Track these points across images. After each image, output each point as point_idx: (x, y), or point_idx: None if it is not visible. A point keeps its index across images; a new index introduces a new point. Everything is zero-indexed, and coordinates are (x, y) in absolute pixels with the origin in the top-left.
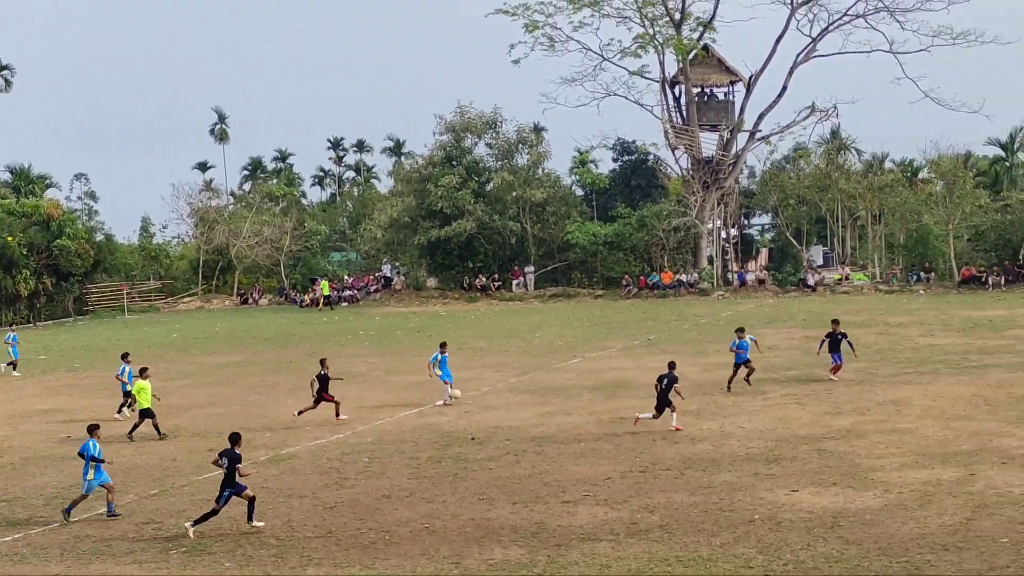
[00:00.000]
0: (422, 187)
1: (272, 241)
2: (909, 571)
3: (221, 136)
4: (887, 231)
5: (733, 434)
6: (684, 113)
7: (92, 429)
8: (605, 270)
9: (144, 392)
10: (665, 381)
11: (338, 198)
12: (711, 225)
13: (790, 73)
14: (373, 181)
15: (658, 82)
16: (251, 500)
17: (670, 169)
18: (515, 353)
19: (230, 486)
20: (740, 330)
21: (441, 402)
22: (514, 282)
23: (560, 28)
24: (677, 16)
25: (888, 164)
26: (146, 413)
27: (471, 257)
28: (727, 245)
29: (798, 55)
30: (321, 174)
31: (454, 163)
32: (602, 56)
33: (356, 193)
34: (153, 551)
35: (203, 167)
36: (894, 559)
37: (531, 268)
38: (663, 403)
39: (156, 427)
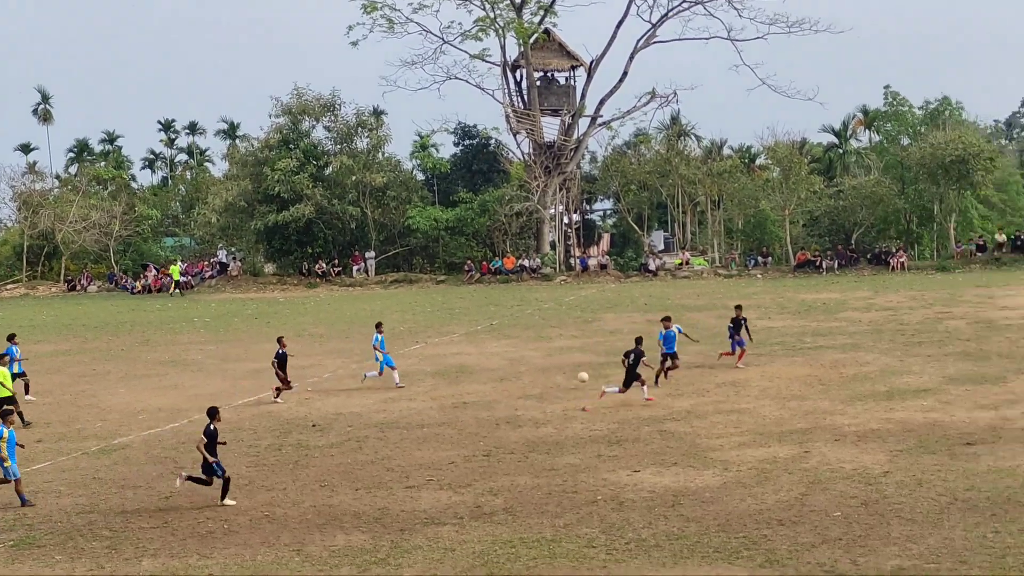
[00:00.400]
0: (258, 171)
1: (101, 226)
2: (747, 546)
3: (44, 117)
4: (726, 216)
5: (576, 417)
6: (526, 97)
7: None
8: (447, 255)
9: (7, 379)
10: (632, 356)
11: (170, 182)
12: (553, 210)
13: (631, 59)
14: (207, 164)
15: (499, 66)
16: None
17: (512, 154)
18: (356, 339)
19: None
20: (666, 319)
21: (369, 375)
22: (355, 268)
23: (399, 9)
24: (518, 0)
25: (727, 150)
26: (8, 401)
27: (310, 242)
28: (569, 230)
29: (638, 41)
30: (152, 157)
31: (291, 146)
32: (443, 39)
33: (189, 177)
34: None
35: (25, 149)
36: (732, 535)
37: (372, 253)
38: (631, 378)
39: (20, 415)
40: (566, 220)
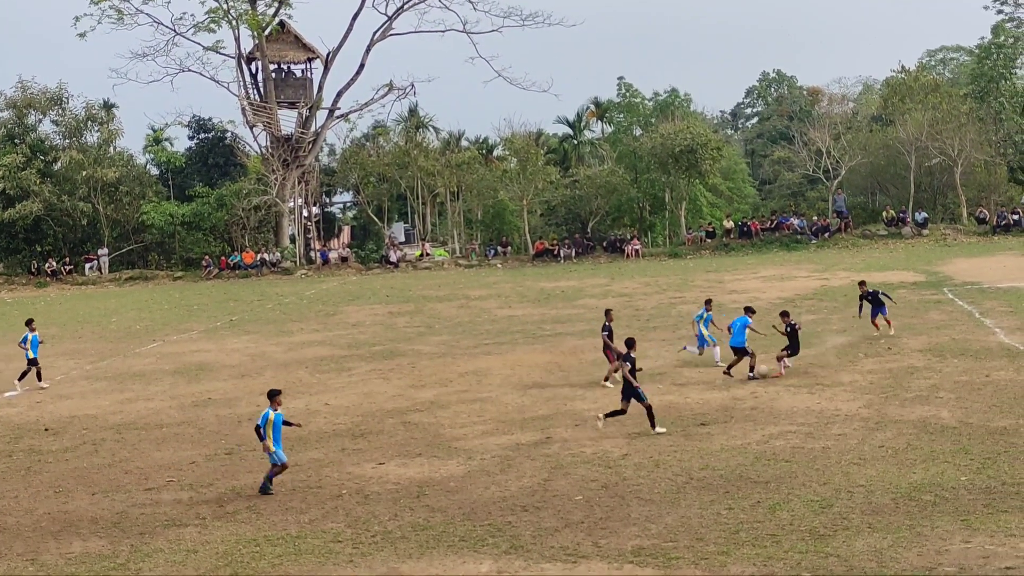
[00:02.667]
0: None
1: None
2: (492, 533)
3: None
4: (465, 207)
5: (319, 411)
6: (262, 90)
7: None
8: (184, 251)
9: None
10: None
11: None
12: (292, 203)
13: (367, 51)
14: None
15: (234, 58)
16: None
17: (249, 147)
18: (90, 339)
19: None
20: (748, 309)
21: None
22: (87, 266)
23: (129, 0)
24: None
25: (464, 142)
26: None
27: (39, 240)
28: (309, 223)
29: (375, 33)
30: None
31: (16, 141)
32: (174, 30)
33: None
34: None
35: None
36: (477, 523)
37: (105, 251)
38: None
39: None
40: (305, 213)
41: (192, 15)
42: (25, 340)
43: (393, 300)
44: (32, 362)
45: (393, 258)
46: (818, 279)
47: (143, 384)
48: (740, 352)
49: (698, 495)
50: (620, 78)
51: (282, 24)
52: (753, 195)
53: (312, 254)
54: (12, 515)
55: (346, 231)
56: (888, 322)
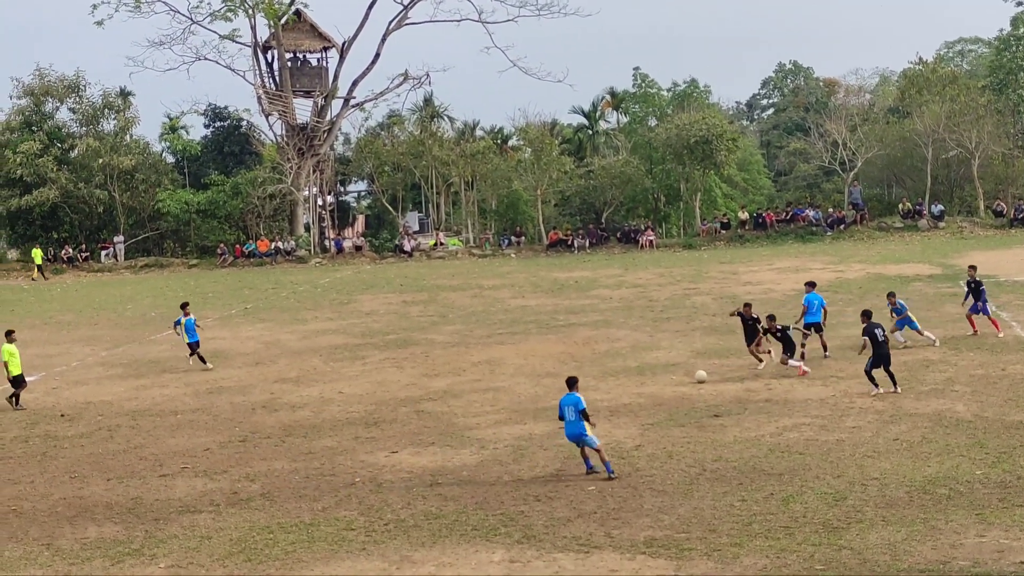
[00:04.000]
0: None
1: None
2: (504, 523)
3: None
4: (479, 197)
5: (333, 400)
6: (277, 79)
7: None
8: (199, 239)
9: (16, 357)
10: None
11: None
12: (307, 192)
13: (383, 40)
14: None
15: (250, 47)
16: None
17: (264, 135)
18: (106, 326)
19: None
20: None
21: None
22: (103, 253)
23: None
24: None
25: (479, 132)
26: (18, 380)
27: (56, 227)
28: (324, 212)
29: (390, 22)
30: None
31: (34, 128)
32: (191, 19)
33: None
34: None
35: None
36: (490, 512)
37: (121, 238)
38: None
39: (17, 397)
40: (320, 202)
41: (209, 3)
42: (179, 323)
43: (407, 289)
44: (192, 346)
45: (407, 247)
46: (833, 271)
47: (158, 371)
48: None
49: (711, 486)
50: (636, 68)
51: (298, 13)
52: (768, 186)
53: (327, 243)
54: (28, 500)
55: (360, 220)
56: (994, 323)
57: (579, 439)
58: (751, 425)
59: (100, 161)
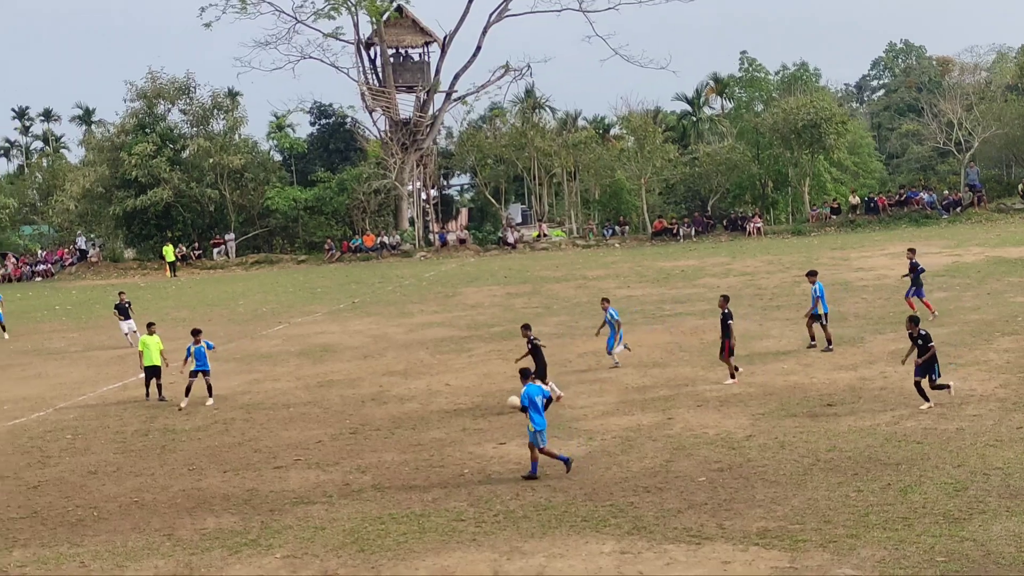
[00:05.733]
0: (115, 156)
1: None
2: (614, 514)
3: None
4: (582, 187)
5: (440, 392)
6: (380, 75)
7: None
8: (307, 235)
9: (151, 348)
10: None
11: (26, 170)
12: (411, 186)
13: (483, 33)
14: (63, 151)
15: (353, 44)
16: None
17: (368, 132)
18: (219, 322)
19: None
20: (811, 273)
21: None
22: (215, 250)
23: None
24: None
25: (581, 121)
26: (154, 371)
27: (170, 226)
28: (427, 206)
29: (491, 15)
30: (7, 145)
31: (147, 130)
32: (295, 18)
33: (45, 164)
34: None
35: None
36: (599, 503)
37: (231, 236)
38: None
39: (159, 387)
40: (424, 196)
41: (312, 2)
42: (189, 352)
43: (511, 281)
44: (202, 373)
45: (510, 239)
46: (950, 255)
47: (270, 365)
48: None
49: (825, 477)
50: (743, 52)
51: (400, 9)
52: (880, 170)
53: (431, 236)
54: (149, 492)
55: (464, 213)
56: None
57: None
58: (866, 414)
59: (210, 161)
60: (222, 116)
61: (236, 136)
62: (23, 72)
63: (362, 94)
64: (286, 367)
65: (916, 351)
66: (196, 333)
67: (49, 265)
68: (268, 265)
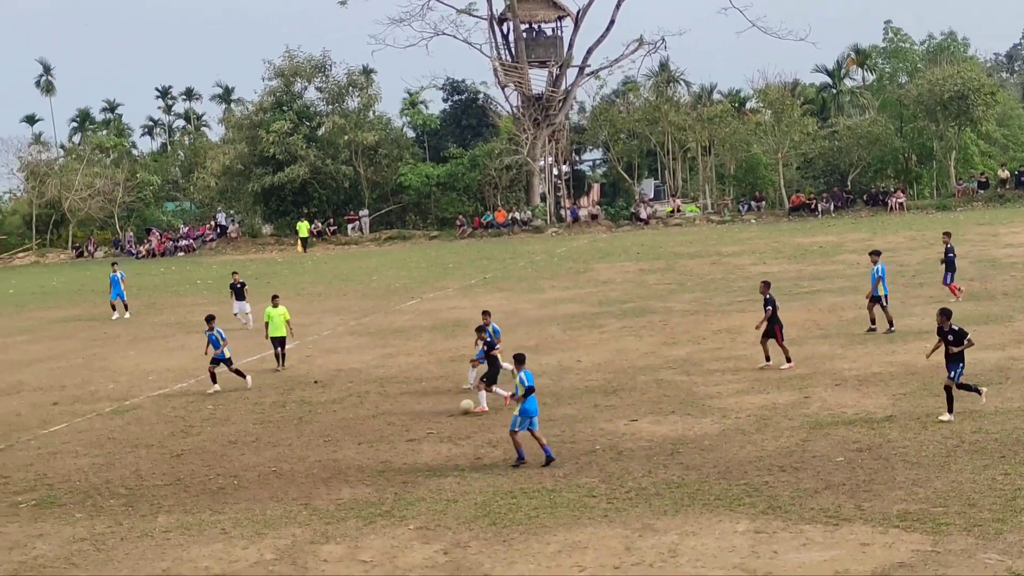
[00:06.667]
0: (253, 134)
1: (105, 193)
2: (748, 493)
3: (47, 88)
4: (717, 162)
5: (571, 368)
6: (513, 50)
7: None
8: (439, 211)
9: (275, 320)
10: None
11: (169, 147)
12: (543, 162)
13: (617, 7)
14: (204, 129)
15: (486, 20)
16: None
17: (500, 107)
18: (354, 297)
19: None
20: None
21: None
22: (349, 226)
23: None
24: None
25: (716, 95)
26: (279, 341)
27: (306, 203)
28: (559, 182)
29: None
30: (151, 124)
31: (284, 108)
32: None
33: (187, 142)
34: (2, 505)
35: (31, 120)
36: (733, 482)
37: (366, 212)
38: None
39: (283, 356)
40: (556, 171)
41: None
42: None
43: (644, 257)
44: (224, 362)
45: (643, 215)
46: None
47: (403, 339)
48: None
49: (970, 459)
50: (887, 22)
51: None
52: None
53: (562, 212)
54: (287, 462)
55: (596, 188)
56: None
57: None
58: (1014, 395)
59: (345, 138)
60: (357, 93)
61: (370, 113)
62: (166, 53)
63: (495, 70)
64: (419, 341)
65: (944, 347)
66: (209, 320)
67: (191, 240)
68: (401, 241)
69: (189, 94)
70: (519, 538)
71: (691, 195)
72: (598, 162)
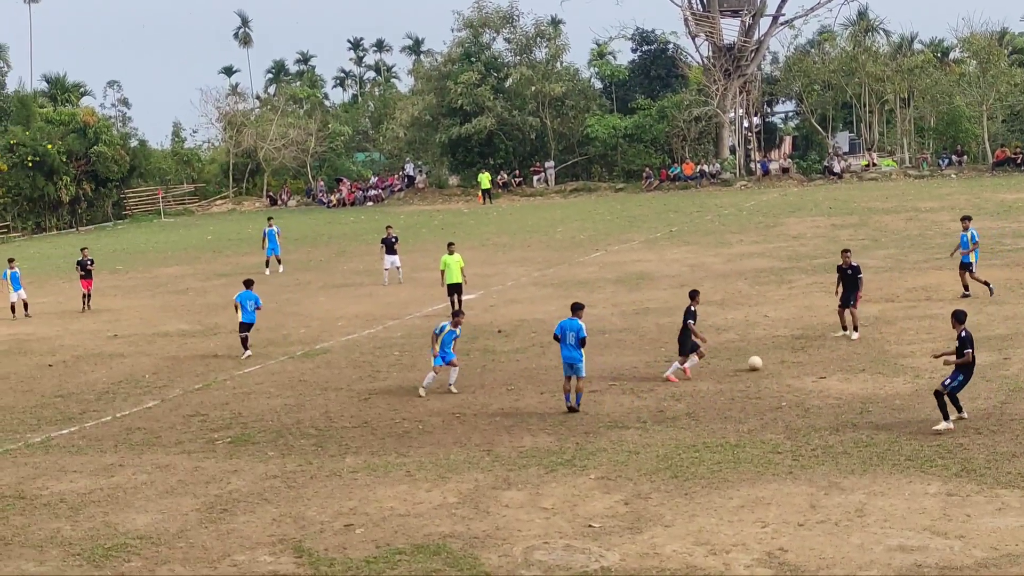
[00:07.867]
0: (442, 85)
1: (298, 143)
2: (941, 455)
3: (244, 40)
4: (916, 115)
5: (758, 323)
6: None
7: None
8: (626, 163)
9: (451, 267)
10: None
11: (359, 99)
12: (733, 114)
13: None
14: (393, 81)
15: None
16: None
17: (690, 58)
18: (538, 248)
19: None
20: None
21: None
22: (535, 178)
23: None
24: None
25: (918, 45)
26: (455, 288)
27: (492, 154)
28: (749, 134)
29: None
30: (342, 75)
31: (473, 59)
32: None
33: (377, 93)
34: (200, 441)
35: (228, 71)
36: (925, 443)
37: (551, 163)
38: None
39: (460, 302)
40: (746, 124)
41: None
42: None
43: (836, 212)
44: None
45: (837, 169)
46: None
47: (587, 291)
48: None
49: None
50: None
51: None
52: None
53: (752, 165)
54: (470, 409)
55: (787, 141)
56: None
57: (574, 367)
58: None
59: (532, 89)
60: (544, 44)
61: (558, 64)
62: (358, 5)
63: (685, 19)
64: (602, 294)
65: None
66: (248, 283)
67: (380, 191)
68: (586, 193)
69: (380, 45)
70: (701, 492)
71: (887, 149)
72: (790, 114)
